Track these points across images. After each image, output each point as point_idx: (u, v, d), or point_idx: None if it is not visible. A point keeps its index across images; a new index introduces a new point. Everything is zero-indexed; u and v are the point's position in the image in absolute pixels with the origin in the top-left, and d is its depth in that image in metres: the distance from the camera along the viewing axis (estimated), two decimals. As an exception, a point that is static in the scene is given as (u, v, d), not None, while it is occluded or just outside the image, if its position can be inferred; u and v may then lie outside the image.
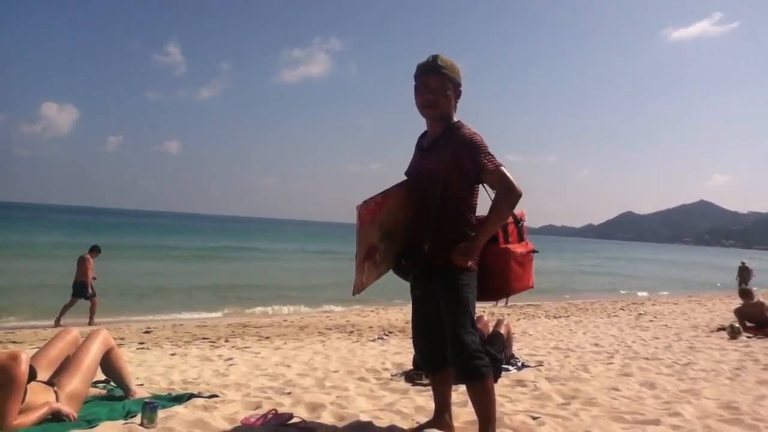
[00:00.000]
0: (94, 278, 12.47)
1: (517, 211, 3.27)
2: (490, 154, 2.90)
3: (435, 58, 2.99)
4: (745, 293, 9.84)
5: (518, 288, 3.19)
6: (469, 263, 2.92)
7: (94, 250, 12.87)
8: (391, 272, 3.18)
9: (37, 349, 3.68)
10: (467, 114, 3.09)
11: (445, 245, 2.93)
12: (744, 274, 25.23)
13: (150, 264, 26.85)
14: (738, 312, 9.27)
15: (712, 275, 26.48)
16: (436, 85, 2.98)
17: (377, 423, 3.37)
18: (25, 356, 3.07)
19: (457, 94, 3.05)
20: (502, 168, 2.87)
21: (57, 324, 11.68)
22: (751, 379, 5.03)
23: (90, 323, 11.80)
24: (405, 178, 3.17)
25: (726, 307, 13.52)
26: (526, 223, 3.33)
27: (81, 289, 12.23)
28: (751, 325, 8.75)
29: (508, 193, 2.83)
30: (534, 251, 3.29)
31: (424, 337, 3.18)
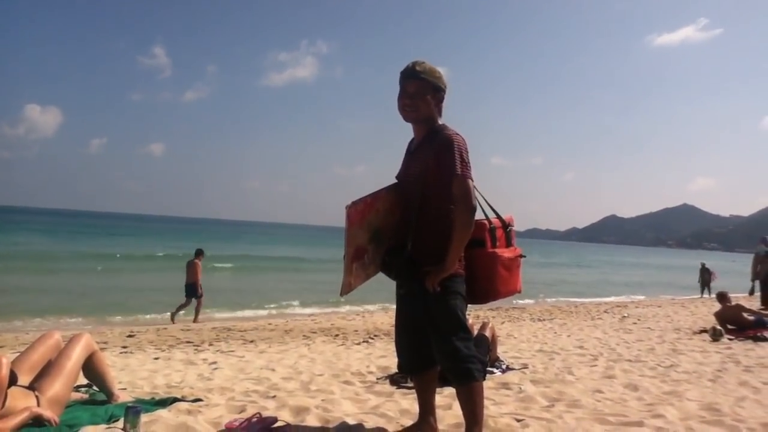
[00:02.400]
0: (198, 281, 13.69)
1: (506, 215, 3.30)
2: (465, 160, 2.93)
3: (414, 64, 3.05)
4: (722, 297, 9.93)
5: (504, 292, 3.20)
6: (456, 268, 2.95)
7: (200, 253, 14.13)
8: (379, 275, 3.19)
9: (18, 353, 3.64)
10: (452, 116, 3.13)
11: (427, 243, 2.97)
12: (705, 275, 24.83)
13: (133, 268, 26.71)
14: (717, 315, 9.36)
15: (694, 279, 26.59)
16: (413, 90, 3.03)
17: (362, 426, 3.37)
18: (5, 360, 3.04)
19: (438, 99, 3.08)
20: (469, 180, 2.91)
21: (173, 320, 12.91)
22: (732, 380, 5.08)
23: (195, 320, 13.17)
24: (395, 181, 3.19)
25: (708, 309, 13.64)
26: (514, 228, 3.35)
27: (192, 290, 13.55)
28: (732, 327, 8.84)
29: (465, 208, 2.88)
30: (521, 256, 3.31)
31: (407, 337, 3.19)
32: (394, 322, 3.25)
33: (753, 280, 13.75)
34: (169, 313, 13.32)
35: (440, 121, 3.10)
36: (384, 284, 3.36)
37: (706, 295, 23.75)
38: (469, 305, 3.13)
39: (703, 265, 25.36)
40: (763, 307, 11.76)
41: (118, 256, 31.81)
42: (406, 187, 3.09)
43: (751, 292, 13.86)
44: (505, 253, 3.18)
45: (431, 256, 2.93)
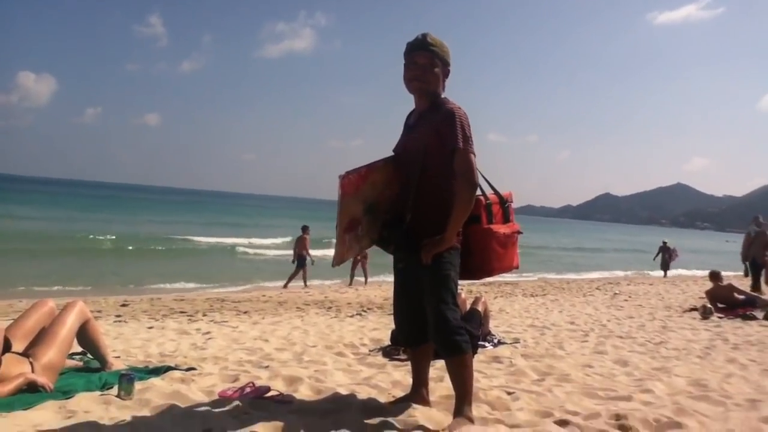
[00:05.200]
0: (308, 253, 15.61)
1: (504, 192, 3.29)
2: (467, 134, 2.92)
3: (424, 36, 3.03)
4: (715, 276, 10.00)
5: (500, 268, 3.21)
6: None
7: (307, 229, 16.11)
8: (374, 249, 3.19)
9: (11, 321, 3.65)
10: (449, 91, 3.12)
11: (426, 217, 2.97)
12: (665, 254, 23.18)
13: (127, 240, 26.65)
14: (709, 294, 9.45)
15: (686, 257, 26.57)
16: (424, 62, 3.01)
17: (354, 397, 3.40)
18: (0, 327, 3.05)
19: (445, 73, 3.09)
20: (471, 154, 2.90)
21: (285, 287, 15.12)
22: (720, 357, 5.14)
23: (285, 286, 15.16)
24: (392, 154, 3.18)
25: (699, 288, 13.76)
26: (512, 204, 3.35)
27: (302, 261, 15.55)
28: (723, 306, 8.92)
29: (468, 182, 2.87)
30: (519, 232, 3.31)
31: (404, 311, 3.20)
32: (386, 296, 3.26)
33: (744, 261, 13.64)
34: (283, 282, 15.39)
35: (443, 95, 3.09)
36: (378, 258, 3.38)
37: (669, 273, 22.74)
38: (463, 281, 3.14)
39: (664, 243, 23.67)
40: (753, 291, 11.86)
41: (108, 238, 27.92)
42: (405, 160, 3.07)
43: (746, 274, 13.71)
44: (501, 229, 3.18)
45: (430, 229, 2.93)
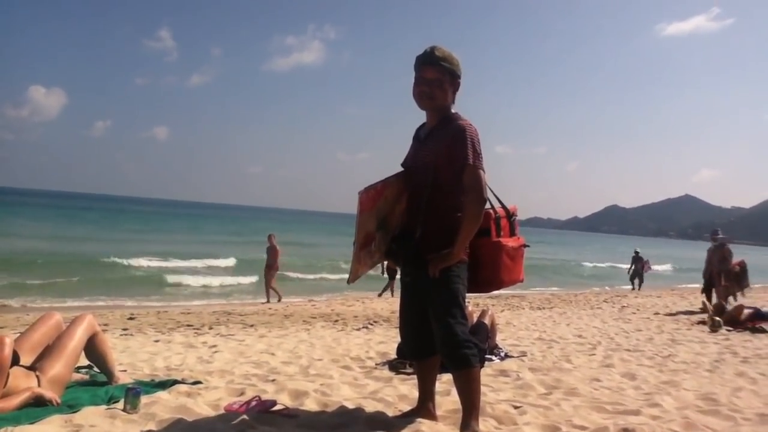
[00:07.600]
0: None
1: (510, 205, 3.30)
2: (477, 150, 2.93)
3: (432, 49, 3.01)
4: (721, 310, 10.04)
5: (508, 281, 3.22)
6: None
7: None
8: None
9: (18, 334, 3.67)
10: (457, 102, 3.09)
11: (435, 232, 2.97)
12: (636, 265, 22.26)
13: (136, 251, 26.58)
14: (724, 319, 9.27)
15: (694, 272, 26.13)
16: (432, 77, 3.00)
17: (361, 411, 3.39)
18: (9, 340, 3.07)
19: (455, 86, 3.06)
20: (480, 170, 2.91)
21: (380, 296, 14.67)
22: (729, 371, 5.10)
23: (380, 295, 14.67)
24: (401, 169, 3.18)
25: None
26: (518, 217, 3.36)
27: (393, 272, 14.81)
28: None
29: (477, 198, 2.90)
30: (525, 245, 3.33)
31: (411, 324, 3.20)
32: (393, 309, 3.27)
33: (704, 275, 12.96)
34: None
35: (453, 110, 3.09)
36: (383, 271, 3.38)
37: (637, 289, 21.58)
38: (470, 293, 3.15)
39: (636, 253, 22.56)
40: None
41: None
42: (415, 175, 3.08)
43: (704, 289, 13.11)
44: (509, 242, 3.21)
45: (438, 243, 2.94)
